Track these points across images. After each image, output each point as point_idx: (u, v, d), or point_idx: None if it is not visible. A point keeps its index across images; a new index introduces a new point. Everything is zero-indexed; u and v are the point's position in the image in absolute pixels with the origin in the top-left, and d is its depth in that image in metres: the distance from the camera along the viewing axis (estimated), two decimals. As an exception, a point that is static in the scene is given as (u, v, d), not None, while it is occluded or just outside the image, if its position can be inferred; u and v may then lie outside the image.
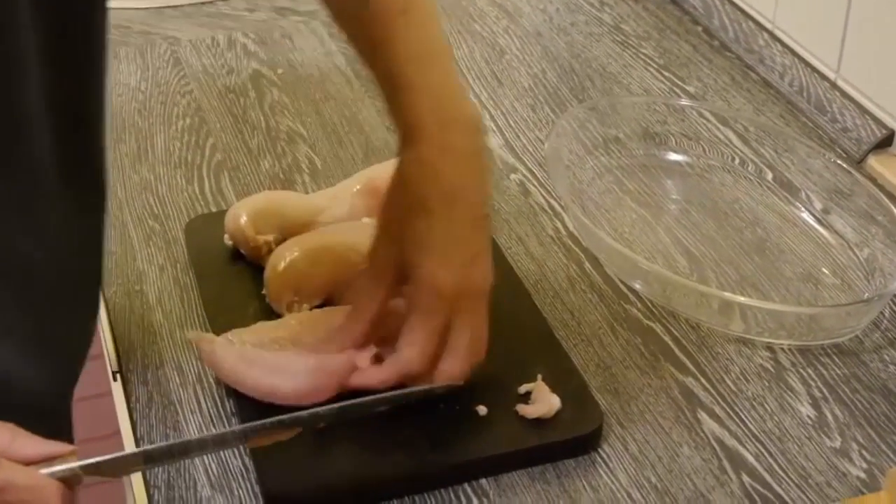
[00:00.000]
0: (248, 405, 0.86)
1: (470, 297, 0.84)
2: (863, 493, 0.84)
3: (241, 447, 0.86)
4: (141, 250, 1.05)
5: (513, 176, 1.16)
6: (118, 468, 0.75)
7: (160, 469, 0.85)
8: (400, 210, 0.86)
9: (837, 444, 0.88)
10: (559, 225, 1.10)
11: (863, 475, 0.85)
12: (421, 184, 0.85)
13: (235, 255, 1.01)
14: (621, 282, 1.03)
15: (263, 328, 0.91)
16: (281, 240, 0.99)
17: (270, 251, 0.99)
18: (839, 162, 1.11)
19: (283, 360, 0.86)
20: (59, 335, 0.83)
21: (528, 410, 0.86)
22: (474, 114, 0.88)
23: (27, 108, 0.74)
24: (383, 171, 1.05)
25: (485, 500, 0.83)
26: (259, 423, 0.79)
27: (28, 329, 0.79)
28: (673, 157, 1.19)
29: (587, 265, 1.05)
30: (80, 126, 0.80)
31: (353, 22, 0.90)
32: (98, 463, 0.72)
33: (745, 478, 0.85)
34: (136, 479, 0.89)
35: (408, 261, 0.84)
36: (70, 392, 0.87)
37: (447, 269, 0.83)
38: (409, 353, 0.83)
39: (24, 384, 0.80)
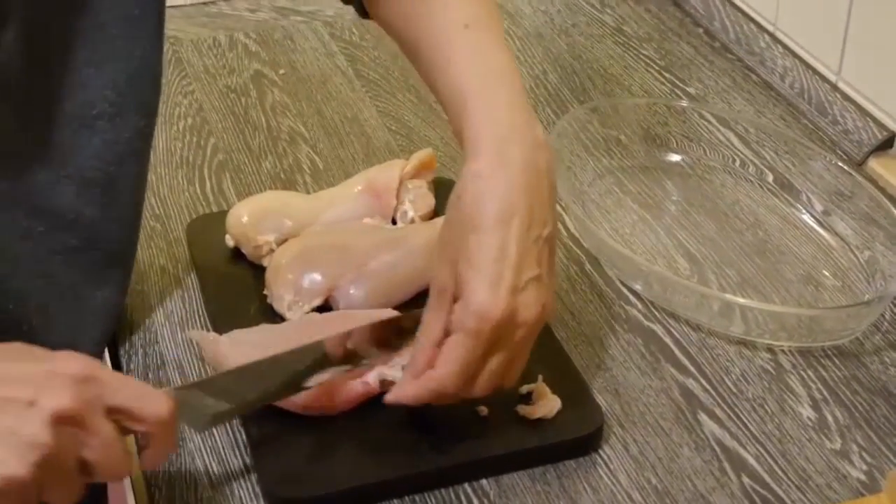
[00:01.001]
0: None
1: (517, 326, 0.79)
2: (863, 495, 0.84)
3: (243, 448, 0.86)
4: (142, 250, 1.05)
5: (514, 177, 1.16)
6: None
7: (161, 469, 0.85)
8: (457, 228, 0.81)
9: (838, 445, 0.88)
10: (560, 226, 1.10)
11: (863, 477, 0.86)
12: (476, 199, 0.80)
13: (237, 255, 1.01)
14: (622, 283, 1.03)
15: (265, 331, 0.92)
16: (282, 240, 1.00)
17: (272, 251, 0.99)
18: (840, 164, 1.11)
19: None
20: (95, 291, 0.89)
21: (529, 411, 0.86)
22: (538, 130, 0.83)
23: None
24: (384, 172, 1.06)
25: (485, 500, 0.83)
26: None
27: (69, 275, 0.86)
28: (674, 158, 1.19)
29: (588, 266, 1.05)
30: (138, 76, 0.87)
31: (414, 37, 0.89)
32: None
33: (746, 479, 0.85)
34: (137, 479, 0.89)
35: (459, 279, 0.79)
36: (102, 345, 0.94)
37: (497, 293, 0.78)
38: (446, 373, 0.79)
39: (62, 332, 0.86)
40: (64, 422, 0.67)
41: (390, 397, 0.82)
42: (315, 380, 0.83)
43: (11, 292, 0.85)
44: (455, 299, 0.80)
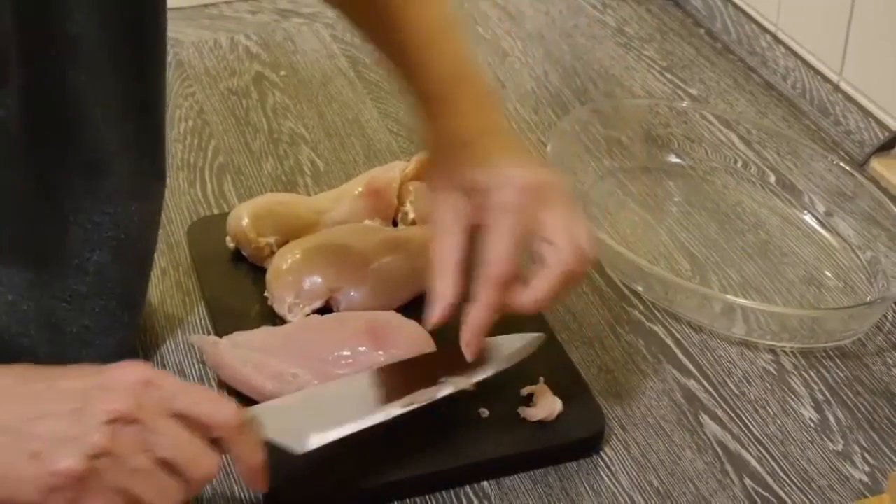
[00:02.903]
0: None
1: (553, 188, 0.83)
2: (865, 497, 0.84)
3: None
4: (143, 252, 1.05)
5: (515, 178, 1.16)
6: None
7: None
8: (447, 158, 0.85)
9: (840, 447, 0.88)
10: (561, 227, 1.09)
11: (865, 478, 0.85)
12: (460, 128, 0.85)
13: (237, 257, 1.01)
14: (623, 284, 1.03)
15: (266, 333, 0.92)
16: (283, 242, 1.00)
17: (272, 253, 0.99)
18: (842, 164, 1.11)
19: (289, 369, 0.86)
20: (106, 337, 0.87)
21: (530, 413, 0.86)
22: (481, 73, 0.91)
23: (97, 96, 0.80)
24: (385, 173, 1.06)
25: (486, 502, 0.83)
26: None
27: (79, 321, 0.85)
28: (675, 159, 1.19)
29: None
30: (143, 112, 0.85)
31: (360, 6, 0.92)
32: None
33: (748, 481, 0.85)
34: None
35: (478, 182, 0.82)
36: None
37: (522, 167, 0.83)
38: (497, 257, 0.81)
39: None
40: (119, 422, 0.67)
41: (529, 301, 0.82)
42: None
43: (22, 349, 0.83)
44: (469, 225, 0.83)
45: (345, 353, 0.87)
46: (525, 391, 0.88)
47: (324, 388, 0.84)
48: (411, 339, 0.88)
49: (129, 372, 0.70)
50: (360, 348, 0.87)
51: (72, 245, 0.84)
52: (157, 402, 0.69)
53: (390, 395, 0.82)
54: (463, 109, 0.87)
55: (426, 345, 0.88)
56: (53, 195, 0.81)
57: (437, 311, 0.81)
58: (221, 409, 0.72)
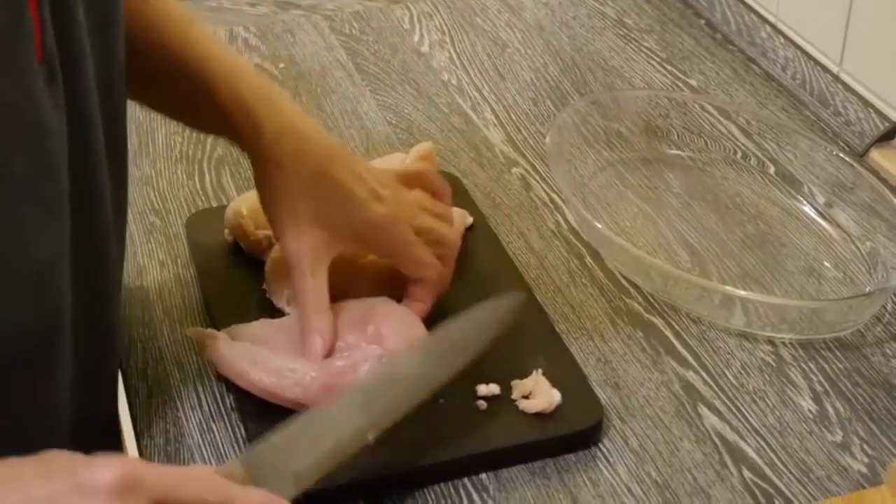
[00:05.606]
0: (249, 401, 0.87)
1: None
2: (864, 488, 0.84)
3: (242, 444, 0.86)
4: (141, 245, 1.05)
5: (514, 170, 1.16)
6: None
7: (160, 463, 0.85)
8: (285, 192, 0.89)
9: (838, 438, 0.88)
10: (560, 219, 1.09)
11: (864, 469, 0.85)
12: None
13: (236, 249, 1.01)
14: (622, 276, 1.03)
15: (264, 326, 0.92)
16: (281, 234, 0.99)
17: (271, 245, 0.99)
18: (842, 155, 1.10)
19: (287, 363, 0.86)
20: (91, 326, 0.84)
21: (529, 405, 0.86)
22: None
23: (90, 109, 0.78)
24: (384, 165, 1.06)
25: (484, 494, 0.83)
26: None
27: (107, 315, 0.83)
28: (675, 150, 1.18)
29: (588, 259, 1.05)
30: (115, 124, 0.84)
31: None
32: None
33: (746, 472, 0.85)
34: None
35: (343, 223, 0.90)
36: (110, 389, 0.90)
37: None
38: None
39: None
40: None
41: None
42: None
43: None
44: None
45: (341, 343, 0.87)
46: (517, 388, 0.88)
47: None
48: (404, 323, 0.88)
49: (108, 473, 0.63)
50: (355, 337, 0.87)
51: (110, 246, 0.82)
52: (137, 500, 0.64)
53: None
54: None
55: (417, 328, 0.88)
56: (91, 198, 0.80)
57: (318, 347, 0.87)
58: (196, 489, 0.67)
